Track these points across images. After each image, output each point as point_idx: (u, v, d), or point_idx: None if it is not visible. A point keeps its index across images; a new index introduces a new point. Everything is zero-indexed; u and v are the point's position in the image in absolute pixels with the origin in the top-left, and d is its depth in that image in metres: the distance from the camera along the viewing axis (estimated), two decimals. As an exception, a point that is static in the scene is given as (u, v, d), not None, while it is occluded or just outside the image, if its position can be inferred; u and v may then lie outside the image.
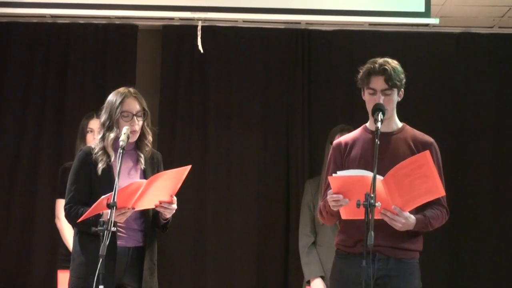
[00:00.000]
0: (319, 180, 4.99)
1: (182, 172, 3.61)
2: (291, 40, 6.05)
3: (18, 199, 5.80)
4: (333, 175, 3.41)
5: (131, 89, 3.88)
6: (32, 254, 5.75)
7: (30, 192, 5.81)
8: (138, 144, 3.88)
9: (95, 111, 4.71)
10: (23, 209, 5.79)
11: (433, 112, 6.02)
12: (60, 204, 4.88)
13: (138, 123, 3.81)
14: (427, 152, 3.33)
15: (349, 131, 4.58)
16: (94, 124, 4.81)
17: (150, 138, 3.90)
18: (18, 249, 5.77)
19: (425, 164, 3.29)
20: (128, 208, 3.58)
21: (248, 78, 6.03)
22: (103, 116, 3.85)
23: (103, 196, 3.48)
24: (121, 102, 3.80)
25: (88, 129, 4.87)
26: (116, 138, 3.78)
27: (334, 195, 3.41)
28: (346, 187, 3.38)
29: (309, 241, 4.98)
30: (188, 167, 3.60)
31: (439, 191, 3.40)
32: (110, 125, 3.81)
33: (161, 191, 3.61)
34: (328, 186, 3.53)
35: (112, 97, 3.86)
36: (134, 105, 3.82)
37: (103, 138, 3.81)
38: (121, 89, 3.87)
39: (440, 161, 3.62)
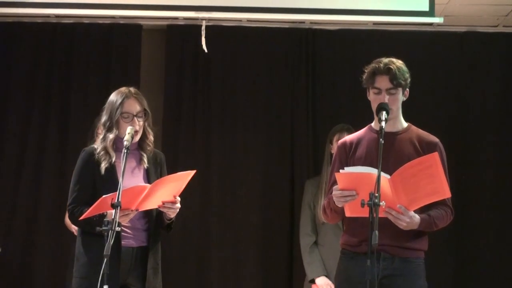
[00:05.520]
0: (319, 180, 4.99)
1: (186, 176, 3.61)
2: (295, 39, 6.05)
3: (22, 199, 5.82)
4: (340, 171, 3.41)
5: (132, 89, 3.87)
6: (36, 255, 5.76)
7: (34, 192, 5.82)
8: (141, 144, 3.88)
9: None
10: (28, 210, 5.81)
11: (437, 111, 6.02)
12: None
13: (139, 124, 3.81)
14: (436, 154, 3.33)
15: (349, 130, 4.60)
16: None
17: (151, 137, 3.90)
18: (22, 250, 5.78)
19: (433, 165, 3.29)
20: (132, 210, 3.58)
21: (253, 78, 6.03)
22: (104, 117, 3.85)
23: (104, 195, 3.48)
24: (121, 103, 3.79)
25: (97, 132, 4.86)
26: (117, 139, 3.79)
27: (341, 191, 3.40)
28: (353, 184, 3.37)
29: (310, 241, 4.98)
30: (193, 172, 3.60)
31: (445, 193, 3.39)
32: (110, 126, 3.81)
33: (164, 193, 3.62)
34: (333, 183, 3.53)
35: (112, 98, 3.85)
36: (135, 106, 3.82)
37: (104, 139, 3.82)
38: (122, 89, 3.87)
39: (445, 161, 3.61)
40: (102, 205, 3.49)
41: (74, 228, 4.81)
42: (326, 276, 4.85)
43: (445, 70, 6.09)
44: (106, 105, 3.87)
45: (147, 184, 3.62)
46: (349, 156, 3.67)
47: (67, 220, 4.94)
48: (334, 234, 4.73)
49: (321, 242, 4.96)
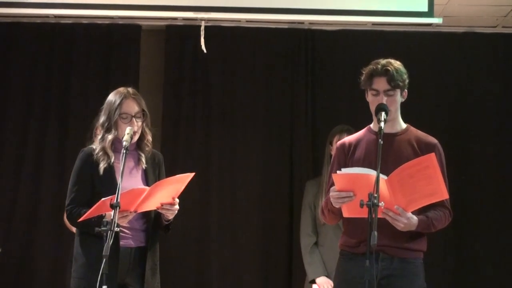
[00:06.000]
0: (319, 181, 4.99)
1: (185, 178, 3.61)
2: (295, 40, 6.05)
3: (22, 199, 5.81)
4: (337, 172, 3.41)
5: (130, 90, 3.87)
6: (36, 255, 5.77)
7: (34, 192, 5.82)
8: (139, 144, 3.88)
9: None
10: (28, 210, 5.81)
11: (437, 112, 6.02)
12: None
13: (137, 124, 3.81)
14: (433, 155, 3.32)
15: (349, 131, 4.60)
16: None
17: (149, 138, 3.90)
18: (22, 250, 5.78)
19: (430, 166, 3.29)
20: (130, 212, 3.59)
21: (252, 78, 6.03)
22: (102, 117, 3.85)
23: (104, 198, 3.48)
24: (120, 104, 3.80)
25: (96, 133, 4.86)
26: (115, 139, 3.80)
27: (338, 192, 3.40)
28: (350, 185, 3.37)
29: (311, 241, 4.99)
30: (192, 175, 3.60)
31: (443, 194, 3.38)
32: (108, 127, 3.81)
33: (163, 195, 3.62)
34: (331, 184, 3.53)
35: (111, 98, 3.85)
36: (133, 107, 3.82)
37: (102, 139, 3.82)
38: (121, 89, 3.87)
39: (444, 162, 3.61)
40: (102, 207, 3.50)
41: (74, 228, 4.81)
42: (327, 277, 4.86)
43: (444, 70, 6.08)
44: (105, 106, 3.87)
45: (146, 187, 3.63)
46: (348, 157, 3.67)
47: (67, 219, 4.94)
48: (334, 234, 4.72)
49: (321, 242, 4.97)
